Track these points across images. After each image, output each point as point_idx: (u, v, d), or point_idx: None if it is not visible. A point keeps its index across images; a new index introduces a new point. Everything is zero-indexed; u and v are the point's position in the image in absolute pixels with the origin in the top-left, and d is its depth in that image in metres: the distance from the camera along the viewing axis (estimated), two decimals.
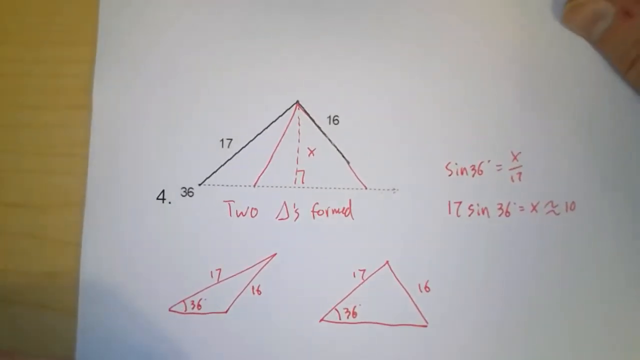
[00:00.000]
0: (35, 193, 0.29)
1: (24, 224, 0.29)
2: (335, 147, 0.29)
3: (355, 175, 0.29)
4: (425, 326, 0.28)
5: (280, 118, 0.29)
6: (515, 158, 0.29)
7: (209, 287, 0.29)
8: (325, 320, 0.29)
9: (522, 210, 0.29)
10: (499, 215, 0.29)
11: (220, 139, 0.29)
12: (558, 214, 0.28)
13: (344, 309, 0.29)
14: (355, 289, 0.29)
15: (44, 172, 0.29)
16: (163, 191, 0.29)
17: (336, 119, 0.29)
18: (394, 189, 0.29)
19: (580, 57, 0.29)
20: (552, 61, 0.29)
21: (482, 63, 0.29)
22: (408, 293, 0.28)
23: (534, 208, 0.28)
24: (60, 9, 0.30)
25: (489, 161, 0.29)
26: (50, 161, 0.29)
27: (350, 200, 0.29)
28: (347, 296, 0.29)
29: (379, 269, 0.29)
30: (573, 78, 0.29)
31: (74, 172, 0.29)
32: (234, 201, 0.29)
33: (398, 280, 0.29)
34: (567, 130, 0.29)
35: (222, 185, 0.29)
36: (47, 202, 0.29)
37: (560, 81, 0.29)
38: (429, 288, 0.28)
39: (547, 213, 0.28)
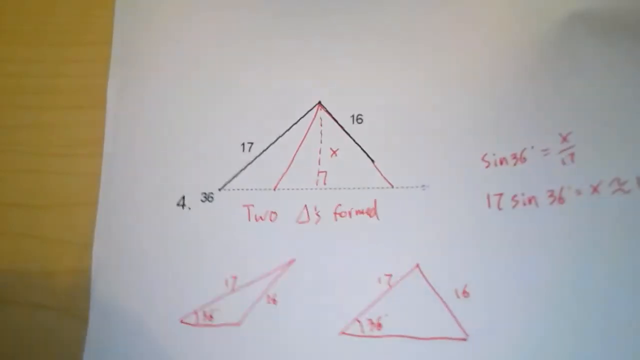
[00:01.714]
0: (35, 193, 0.29)
1: (24, 224, 0.29)
2: (360, 146, 0.27)
3: (381, 173, 0.27)
4: (465, 339, 0.23)
5: (302, 119, 0.28)
6: (564, 139, 0.24)
7: (223, 296, 0.26)
8: (346, 333, 0.25)
9: (580, 194, 0.24)
10: (551, 203, 0.24)
11: (242, 142, 0.29)
12: (628, 192, 0.23)
13: (368, 320, 0.24)
14: (380, 297, 0.25)
15: (44, 172, 0.29)
16: (183, 197, 0.28)
17: (360, 118, 0.28)
18: (423, 186, 0.26)
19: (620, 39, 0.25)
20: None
21: (510, 49, 0.26)
22: (443, 300, 0.24)
23: (595, 189, 0.23)
24: (60, 10, 0.30)
25: (532, 147, 0.25)
26: (50, 161, 0.29)
27: (375, 200, 0.26)
28: (371, 305, 0.25)
29: (407, 274, 0.25)
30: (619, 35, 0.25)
31: (74, 172, 0.29)
32: (253, 205, 0.28)
33: (430, 286, 0.24)
34: (621, 105, 0.24)
35: (242, 189, 0.28)
36: (47, 202, 0.29)
37: (607, 58, 0.25)
38: (467, 293, 0.24)
39: (613, 193, 0.23)
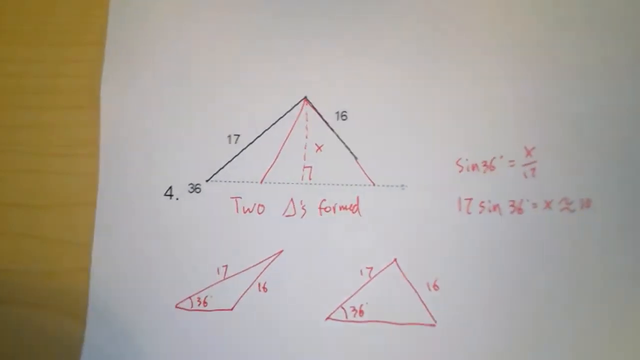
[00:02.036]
0: (35, 193, 0.29)
1: (24, 224, 0.29)
2: (343, 142, 0.29)
3: (363, 171, 0.29)
4: (434, 325, 0.28)
5: (288, 114, 0.29)
6: (529, 153, 0.28)
7: (215, 283, 0.28)
8: (331, 319, 0.28)
9: (535, 207, 0.28)
10: (511, 213, 0.28)
11: (228, 134, 0.29)
12: (573, 211, 0.27)
13: (351, 307, 0.28)
14: (362, 287, 0.28)
15: (44, 172, 0.30)
16: (170, 187, 0.29)
17: (344, 115, 0.29)
18: (402, 185, 0.28)
19: (596, 50, 0.28)
20: (566, 55, 0.28)
21: (492, 56, 0.28)
22: (416, 291, 0.28)
23: (548, 205, 0.28)
24: (60, 10, 0.30)
25: (501, 157, 0.28)
26: (50, 161, 0.30)
27: (358, 196, 0.29)
28: (354, 294, 0.28)
29: (386, 267, 0.28)
30: (589, 71, 0.28)
31: (74, 172, 0.29)
32: (240, 197, 0.29)
33: (406, 279, 0.28)
34: (582, 125, 0.28)
35: (229, 181, 0.29)
36: (47, 202, 0.29)
37: (574, 74, 0.28)
38: (437, 287, 0.28)
39: (561, 210, 0.27)
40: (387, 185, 0.29)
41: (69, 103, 0.30)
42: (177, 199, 0.29)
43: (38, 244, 0.29)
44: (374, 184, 0.29)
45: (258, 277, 0.28)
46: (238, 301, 0.28)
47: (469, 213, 0.28)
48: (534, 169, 0.28)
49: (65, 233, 0.29)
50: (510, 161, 0.28)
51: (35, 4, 0.30)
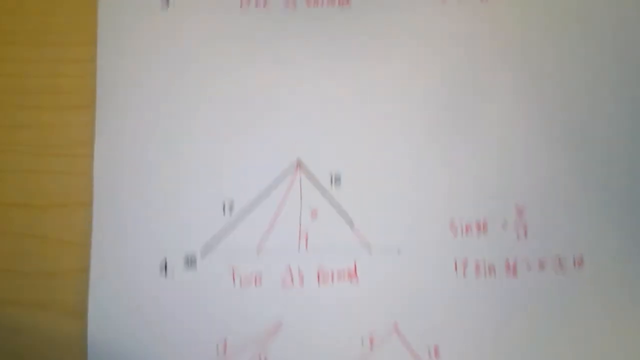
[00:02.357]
0: (35, 193, 0.29)
1: (24, 224, 0.29)
2: (338, 208, 0.29)
3: (359, 236, 0.29)
4: None
5: (282, 181, 0.29)
6: (520, 213, 0.28)
7: None
8: None
9: (529, 266, 0.28)
10: (506, 273, 0.28)
11: (222, 204, 0.28)
12: (566, 270, 0.28)
13: None
14: (364, 357, 0.28)
15: (44, 172, 0.29)
16: (165, 261, 0.28)
17: (338, 180, 0.29)
18: (398, 250, 0.29)
19: (587, 111, 0.29)
20: (557, 114, 0.29)
21: (483, 117, 0.29)
22: (419, 359, 0.28)
23: (541, 264, 0.28)
24: (59, 9, 0.30)
25: (493, 218, 0.29)
26: (50, 161, 0.29)
27: (355, 262, 0.28)
28: None
29: (387, 334, 0.28)
30: (575, 131, 0.29)
31: (74, 172, 0.29)
32: (237, 268, 0.28)
33: (407, 345, 0.28)
34: (572, 184, 0.28)
35: (225, 253, 0.28)
36: (47, 202, 0.29)
37: (564, 135, 0.29)
38: (439, 354, 0.28)
39: (554, 269, 0.28)
40: (384, 250, 0.29)
41: (69, 103, 0.30)
42: (172, 273, 0.28)
43: (38, 244, 0.29)
44: (370, 249, 0.29)
45: (259, 352, 0.28)
46: None
47: (465, 275, 0.28)
48: (525, 229, 0.28)
49: (65, 233, 0.29)
50: (503, 222, 0.28)
51: (35, 4, 0.30)
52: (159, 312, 0.28)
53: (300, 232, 0.29)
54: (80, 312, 0.28)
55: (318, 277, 0.28)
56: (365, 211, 0.29)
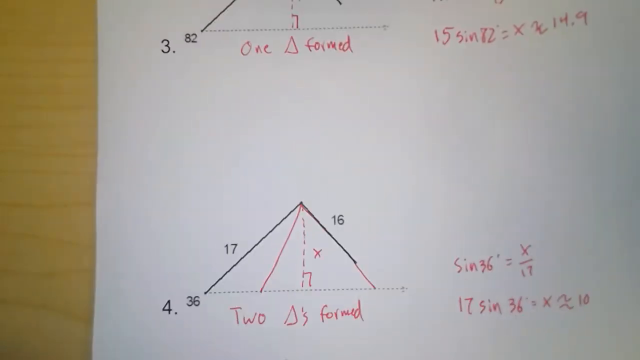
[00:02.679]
0: (35, 193, 0.29)
1: (24, 224, 0.29)
2: (342, 247, 0.29)
3: (363, 275, 0.29)
4: None
5: (285, 220, 0.29)
6: (525, 251, 0.28)
7: None
8: None
9: (535, 305, 0.28)
10: (511, 311, 0.28)
11: (225, 244, 0.29)
12: (571, 308, 0.28)
13: None
14: None
15: (44, 172, 0.29)
16: (169, 302, 0.28)
17: (341, 219, 0.29)
18: (403, 288, 0.28)
19: (596, 156, 0.29)
20: (565, 159, 0.29)
21: (486, 158, 0.29)
22: None
23: (547, 302, 0.28)
24: (60, 9, 0.30)
25: (498, 255, 0.28)
26: (50, 161, 0.29)
27: (359, 301, 0.29)
28: None
29: None
30: (578, 169, 0.29)
31: (74, 172, 0.29)
32: (240, 308, 0.28)
33: None
34: (577, 222, 0.28)
35: (229, 292, 0.28)
36: (47, 202, 0.29)
37: (565, 174, 0.29)
38: None
39: (560, 307, 0.28)
40: (388, 288, 0.29)
41: (69, 103, 0.30)
42: (175, 313, 0.28)
43: (38, 244, 0.29)
44: (374, 287, 0.29)
45: None
46: None
47: (470, 313, 0.28)
48: (530, 267, 0.28)
49: (65, 233, 0.29)
50: (507, 260, 0.28)
51: (35, 4, 0.30)
52: (162, 350, 0.28)
53: (303, 271, 0.29)
54: (81, 313, 0.28)
55: (322, 314, 0.28)
56: (369, 250, 0.29)
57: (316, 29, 0.29)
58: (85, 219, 0.29)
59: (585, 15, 0.29)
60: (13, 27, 0.30)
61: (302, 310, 0.28)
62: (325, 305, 0.28)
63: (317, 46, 0.29)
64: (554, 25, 0.29)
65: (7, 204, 0.29)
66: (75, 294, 0.29)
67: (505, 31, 0.29)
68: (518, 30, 0.29)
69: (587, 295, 0.28)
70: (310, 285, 0.29)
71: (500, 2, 0.30)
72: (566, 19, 0.29)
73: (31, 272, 0.29)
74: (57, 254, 0.29)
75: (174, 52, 0.29)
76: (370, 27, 0.29)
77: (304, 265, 0.29)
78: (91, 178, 0.29)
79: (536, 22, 0.29)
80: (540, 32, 0.29)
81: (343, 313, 0.28)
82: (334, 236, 0.29)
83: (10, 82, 0.30)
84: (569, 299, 0.28)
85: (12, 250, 0.29)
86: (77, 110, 0.30)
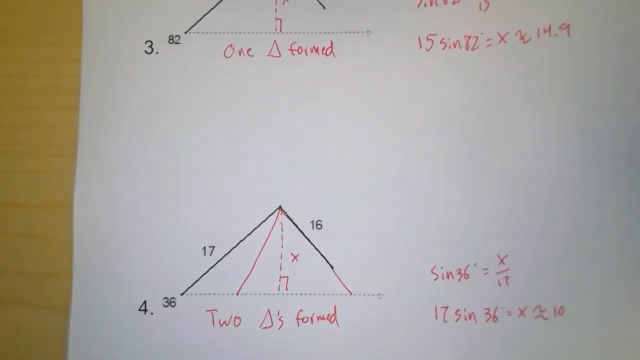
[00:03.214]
0: (35, 193, 0.29)
1: (23, 223, 0.29)
2: (319, 251, 0.29)
3: (340, 280, 0.29)
4: None
5: (263, 224, 0.29)
6: (501, 261, 0.28)
7: None
8: None
9: (510, 315, 0.28)
10: (487, 321, 0.28)
11: (203, 246, 0.29)
12: (546, 319, 0.28)
13: None
14: None
15: (44, 172, 0.29)
16: (145, 302, 0.28)
17: (319, 224, 0.29)
18: (379, 294, 0.29)
19: (577, 165, 0.29)
20: (533, 163, 0.29)
21: (472, 166, 0.29)
22: None
23: (522, 313, 0.28)
24: (60, 9, 0.30)
25: (475, 264, 0.28)
26: (50, 161, 0.30)
27: (335, 306, 0.29)
28: None
29: None
30: (559, 180, 0.29)
31: (74, 172, 0.29)
32: (216, 310, 0.28)
33: None
34: (553, 233, 0.28)
35: (205, 294, 0.29)
36: (47, 202, 0.29)
37: (544, 183, 0.29)
38: None
39: (535, 318, 0.28)
40: (364, 295, 0.29)
41: (69, 103, 0.30)
42: (151, 313, 0.28)
43: (38, 244, 0.29)
44: (351, 293, 0.29)
45: None
46: None
47: (445, 321, 0.28)
48: (507, 277, 0.28)
49: (65, 233, 0.29)
50: (484, 269, 0.28)
51: (35, 4, 0.30)
52: (138, 350, 0.28)
53: (280, 275, 0.29)
54: None
55: (297, 319, 0.28)
56: (346, 255, 0.29)
57: (299, 33, 0.29)
58: None
59: (568, 27, 0.29)
60: (13, 27, 0.30)
61: (278, 314, 0.29)
62: (301, 310, 0.29)
63: (299, 50, 0.29)
64: (538, 36, 0.29)
65: (7, 204, 0.29)
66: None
67: (489, 39, 0.29)
68: (502, 38, 0.29)
69: (562, 307, 0.28)
70: (286, 290, 0.29)
71: (485, 10, 0.30)
72: (550, 30, 0.29)
73: (31, 272, 0.29)
74: (57, 254, 0.29)
75: (157, 53, 0.29)
76: (354, 32, 0.29)
77: (281, 269, 0.29)
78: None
79: (520, 31, 0.29)
80: (524, 42, 0.29)
81: (319, 318, 0.29)
82: (311, 241, 0.29)
83: (10, 82, 0.30)
84: (544, 310, 0.28)
85: (12, 250, 0.29)
86: (77, 110, 0.30)
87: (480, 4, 0.30)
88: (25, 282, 0.29)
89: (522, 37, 0.29)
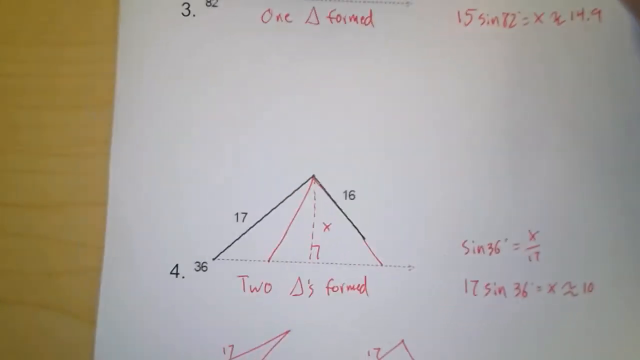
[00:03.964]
0: (35, 193, 0.29)
1: (24, 224, 0.29)
2: (351, 222, 0.29)
3: (371, 251, 0.29)
4: None
5: (296, 192, 0.29)
6: (532, 237, 0.28)
7: None
8: None
9: (540, 290, 0.28)
10: (516, 296, 0.28)
11: (235, 212, 0.29)
12: (576, 295, 0.28)
13: None
14: None
15: (44, 172, 0.29)
16: (177, 265, 0.28)
17: (352, 194, 0.29)
18: (409, 266, 0.29)
19: (606, 144, 0.29)
20: (568, 148, 0.29)
21: (495, 144, 0.29)
22: None
23: (552, 289, 0.28)
24: (60, 9, 0.30)
25: (506, 240, 0.29)
26: (50, 161, 0.29)
27: (365, 276, 0.29)
28: None
29: (393, 348, 0.28)
30: (595, 162, 0.29)
31: (74, 172, 0.29)
32: (247, 276, 0.29)
33: None
34: (584, 210, 0.28)
35: (236, 259, 0.29)
36: (47, 202, 0.29)
37: (577, 165, 0.29)
38: None
39: (564, 294, 0.28)
40: (395, 266, 0.29)
41: (69, 103, 0.30)
42: (183, 277, 0.28)
43: (38, 244, 0.29)
44: (381, 264, 0.29)
45: (265, 357, 0.28)
46: None
47: (475, 295, 0.28)
48: (537, 253, 0.28)
49: (65, 233, 0.29)
50: (515, 244, 0.28)
51: (35, 4, 0.30)
52: (168, 313, 0.28)
53: (312, 244, 0.29)
54: (82, 313, 0.29)
55: (327, 288, 0.29)
56: (378, 227, 0.29)
57: (339, 0, 0.29)
58: (85, 219, 0.29)
59: (599, 12, 0.29)
60: (13, 27, 0.30)
61: (309, 283, 0.29)
62: (332, 279, 0.29)
63: (338, 18, 0.29)
64: (571, 18, 0.29)
65: (7, 204, 0.29)
66: (75, 294, 0.29)
67: (526, 18, 0.29)
68: (538, 18, 0.29)
69: (591, 284, 0.28)
70: (317, 259, 0.29)
71: None
72: (583, 13, 0.29)
73: (31, 272, 0.29)
74: (57, 254, 0.29)
75: (194, 15, 0.29)
76: (394, 2, 0.29)
77: (312, 238, 0.29)
78: (91, 178, 0.29)
79: (555, 12, 0.29)
80: (558, 24, 0.29)
81: (349, 288, 0.29)
82: (344, 211, 0.29)
83: (10, 82, 0.30)
84: (574, 287, 0.28)
85: (12, 250, 0.29)
86: (78, 110, 0.29)
87: None
88: (25, 282, 0.29)
89: (557, 19, 0.29)
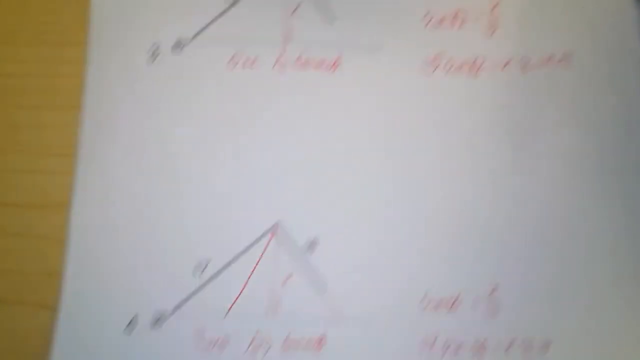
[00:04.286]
0: (35, 193, 0.29)
1: (23, 224, 0.29)
2: (312, 275, 0.28)
3: (331, 305, 0.28)
4: None
5: (258, 241, 0.28)
6: (492, 292, 0.28)
7: None
8: None
9: (498, 347, 0.28)
10: (473, 352, 0.28)
11: (195, 262, 0.28)
12: (533, 353, 0.28)
13: None
14: None
15: (44, 172, 0.29)
16: (135, 316, 0.28)
17: (314, 245, 0.28)
18: (369, 321, 0.28)
19: (568, 208, 0.29)
20: (527, 201, 0.29)
21: (458, 193, 0.29)
22: None
23: (510, 346, 0.28)
24: (59, 9, 0.30)
25: (465, 294, 0.28)
26: (49, 161, 0.29)
27: (324, 331, 0.28)
28: None
29: None
30: (552, 215, 0.29)
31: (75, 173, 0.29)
32: (203, 330, 0.28)
33: None
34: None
35: (193, 312, 0.28)
36: (47, 202, 0.29)
37: (535, 218, 0.29)
38: None
39: (523, 351, 0.28)
40: (354, 321, 0.28)
41: (69, 103, 0.30)
42: (140, 329, 0.28)
43: (38, 244, 0.29)
44: (340, 319, 0.28)
45: None
46: None
47: (432, 351, 0.28)
48: (495, 308, 0.28)
49: (64, 233, 0.29)
50: (475, 299, 0.28)
51: (35, 4, 0.30)
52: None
53: (271, 297, 0.28)
54: None
55: (285, 344, 0.28)
56: (339, 277, 0.28)
57: (307, 45, 0.29)
58: None
59: (570, 57, 0.29)
60: (13, 27, 0.30)
61: (266, 338, 0.28)
62: (290, 334, 0.28)
63: (306, 64, 0.29)
64: (539, 64, 0.29)
65: (7, 204, 0.29)
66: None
67: (492, 65, 0.29)
68: (506, 64, 0.29)
69: (548, 342, 0.28)
70: (276, 313, 0.28)
71: (491, 36, 0.29)
72: (551, 59, 0.29)
73: (31, 272, 0.29)
74: (57, 253, 0.29)
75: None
76: (361, 48, 0.29)
77: (272, 291, 0.28)
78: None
79: (523, 58, 0.29)
80: (525, 70, 0.29)
81: (307, 343, 0.28)
82: (305, 264, 0.28)
83: (10, 82, 0.30)
84: (532, 343, 0.28)
85: (12, 250, 0.29)
86: (77, 110, 0.30)
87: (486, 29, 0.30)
88: (25, 282, 0.29)
89: (524, 66, 0.29)
